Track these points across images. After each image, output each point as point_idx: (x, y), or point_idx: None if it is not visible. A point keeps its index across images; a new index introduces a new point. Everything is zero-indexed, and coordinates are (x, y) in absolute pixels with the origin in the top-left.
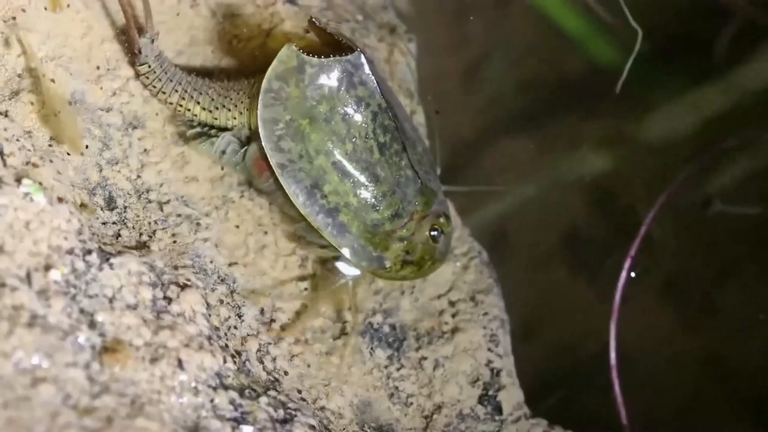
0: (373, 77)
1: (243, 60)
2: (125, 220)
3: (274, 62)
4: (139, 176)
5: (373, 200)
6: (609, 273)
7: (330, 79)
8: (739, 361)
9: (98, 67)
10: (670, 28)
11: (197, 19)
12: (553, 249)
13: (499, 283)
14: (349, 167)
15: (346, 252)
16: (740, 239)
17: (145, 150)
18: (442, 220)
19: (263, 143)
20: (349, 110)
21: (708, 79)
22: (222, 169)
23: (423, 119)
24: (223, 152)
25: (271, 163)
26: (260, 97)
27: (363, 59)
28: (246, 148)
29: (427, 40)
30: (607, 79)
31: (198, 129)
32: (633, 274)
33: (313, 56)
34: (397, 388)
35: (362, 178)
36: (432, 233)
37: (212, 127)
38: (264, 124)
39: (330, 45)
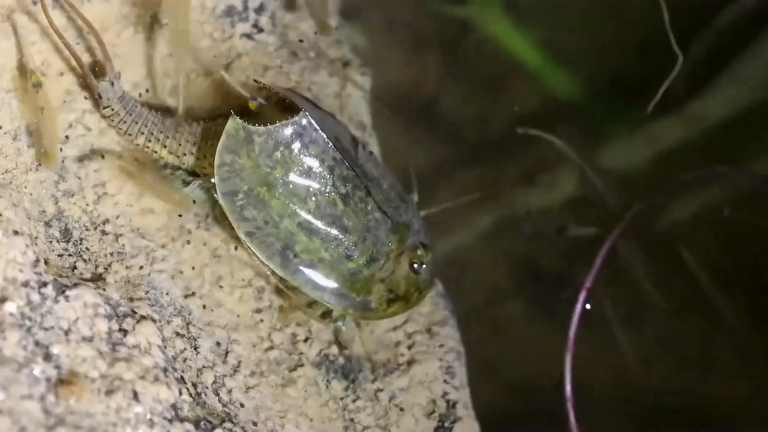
0: (322, 133)
1: (201, 94)
2: (81, 252)
3: (223, 136)
4: (95, 208)
5: (345, 251)
6: (565, 305)
7: (280, 143)
8: (694, 393)
9: (53, 99)
10: (629, 61)
11: (153, 52)
12: (509, 281)
13: (455, 315)
14: (315, 225)
15: (330, 303)
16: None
17: (102, 182)
18: (419, 251)
19: (228, 216)
20: (305, 170)
21: (666, 113)
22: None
23: (376, 151)
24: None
25: (238, 233)
26: (215, 173)
27: (309, 117)
28: (213, 206)
29: (382, 74)
30: (565, 112)
31: (167, 171)
32: (588, 306)
33: (259, 125)
34: (352, 420)
35: (330, 232)
36: (412, 267)
37: (180, 168)
38: (224, 198)
39: (276, 105)
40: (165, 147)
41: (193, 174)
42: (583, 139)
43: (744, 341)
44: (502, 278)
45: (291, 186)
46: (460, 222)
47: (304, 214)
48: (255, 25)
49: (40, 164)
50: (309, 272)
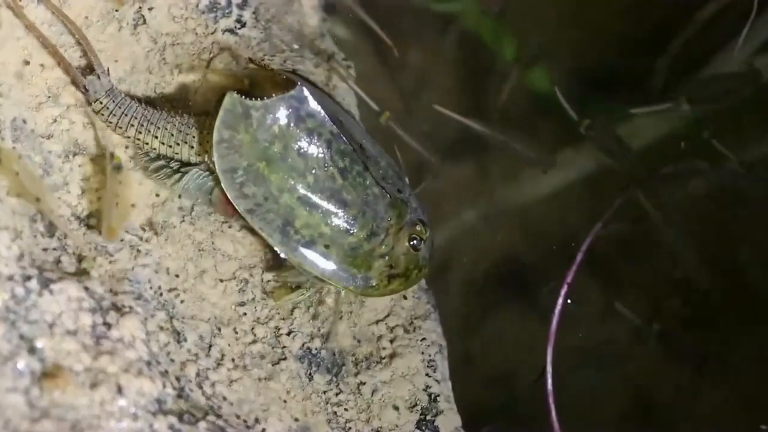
0: (319, 107)
1: (186, 89)
2: (65, 246)
3: (220, 112)
4: (79, 203)
5: (345, 225)
6: (547, 300)
7: (277, 118)
8: (672, 389)
9: (38, 95)
10: (608, 56)
11: (137, 47)
12: (492, 275)
13: (437, 309)
14: (315, 199)
15: (331, 280)
16: (677, 266)
17: (86, 176)
18: (418, 227)
19: (227, 193)
20: (303, 144)
21: (645, 107)
22: (180, 197)
23: None
24: (187, 188)
25: (238, 210)
26: (214, 149)
27: (305, 91)
28: (212, 191)
29: (365, 67)
30: (544, 106)
31: (160, 162)
32: (570, 301)
33: (256, 99)
34: (335, 413)
35: (330, 207)
36: (411, 243)
37: (173, 159)
38: (223, 175)
39: (272, 82)
40: (156, 138)
41: (188, 164)
42: (563, 134)
43: (725, 336)
44: (485, 273)
45: (290, 160)
46: (444, 216)
47: (303, 189)
48: (238, 20)
49: (100, 233)
50: (310, 248)
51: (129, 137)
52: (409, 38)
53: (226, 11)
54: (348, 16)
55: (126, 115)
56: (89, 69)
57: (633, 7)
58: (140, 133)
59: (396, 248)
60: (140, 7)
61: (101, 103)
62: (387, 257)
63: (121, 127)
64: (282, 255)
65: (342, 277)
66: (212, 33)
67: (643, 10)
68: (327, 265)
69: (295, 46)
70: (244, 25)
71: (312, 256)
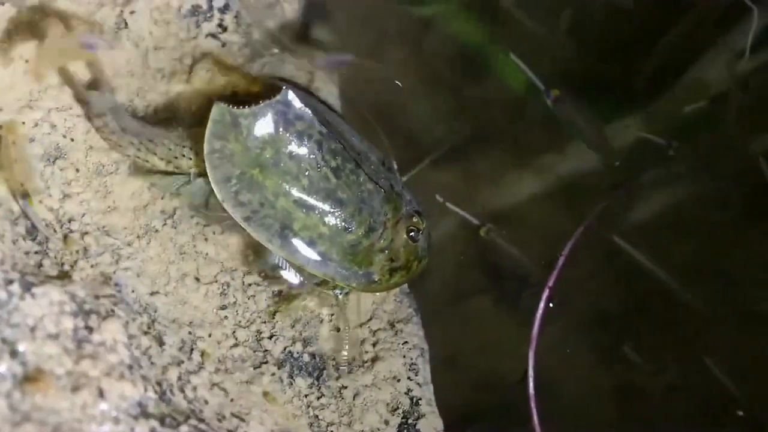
0: (307, 109)
1: (169, 94)
2: (47, 250)
3: (209, 124)
4: (60, 206)
5: (343, 224)
6: (528, 303)
7: (266, 124)
8: (653, 392)
9: (20, 99)
10: (590, 61)
11: (120, 51)
12: (474, 279)
13: (418, 312)
14: (311, 200)
15: (334, 278)
16: (662, 270)
17: (68, 181)
18: (415, 219)
19: (223, 204)
20: (294, 147)
21: (626, 113)
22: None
23: None
24: (184, 186)
25: (235, 219)
26: (206, 160)
27: (292, 94)
28: (208, 198)
29: (348, 70)
30: (529, 110)
31: (158, 172)
32: (551, 305)
33: (244, 107)
34: (317, 416)
35: (326, 207)
36: (409, 234)
37: (173, 173)
38: (218, 185)
39: (256, 87)
40: (155, 155)
41: (186, 174)
42: (545, 138)
43: (716, 340)
44: (467, 276)
45: (282, 164)
46: (426, 219)
47: (298, 192)
48: (220, 25)
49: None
50: (310, 249)
51: (128, 156)
52: (393, 41)
53: (208, 15)
54: (330, 19)
55: (124, 131)
56: (93, 84)
57: (618, 8)
58: (140, 151)
59: (395, 241)
60: (122, 11)
61: (102, 120)
62: (387, 251)
63: (120, 146)
64: (282, 258)
65: (344, 275)
66: (194, 38)
67: (630, 13)
68: (329, 265)
69: (275, 51)
70: (225, 29)
71: (313, 257)
